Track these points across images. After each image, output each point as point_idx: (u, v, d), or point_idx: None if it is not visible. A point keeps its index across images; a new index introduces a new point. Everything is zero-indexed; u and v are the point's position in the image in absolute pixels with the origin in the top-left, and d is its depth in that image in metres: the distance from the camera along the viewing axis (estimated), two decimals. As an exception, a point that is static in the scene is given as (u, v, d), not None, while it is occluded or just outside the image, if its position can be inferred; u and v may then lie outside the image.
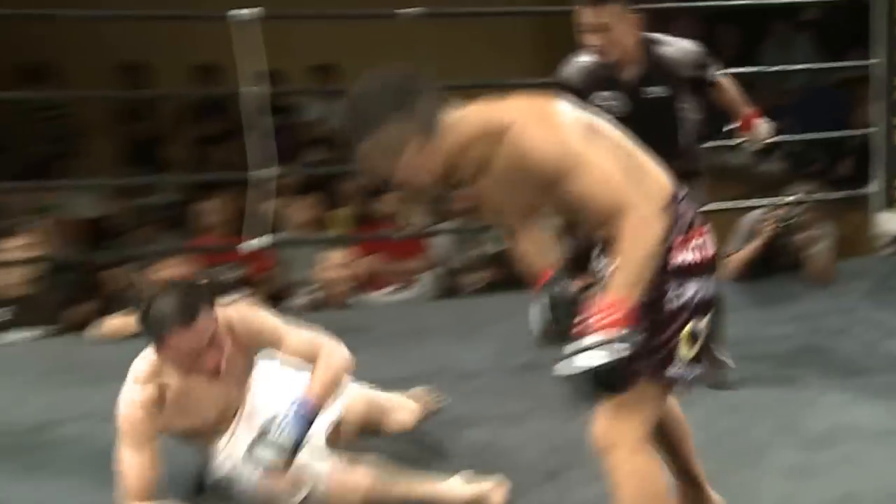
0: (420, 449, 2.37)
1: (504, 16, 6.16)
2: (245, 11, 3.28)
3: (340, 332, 2.19)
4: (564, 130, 1.62)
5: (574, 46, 2.63)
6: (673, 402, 1.86)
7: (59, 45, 5.78)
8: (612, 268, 1.58)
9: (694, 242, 1.67)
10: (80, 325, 3.65)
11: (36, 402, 2.68)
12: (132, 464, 1.97)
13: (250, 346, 2.13)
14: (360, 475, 2.08)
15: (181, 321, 1.93)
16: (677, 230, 1.66)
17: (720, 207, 3.59)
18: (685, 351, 1.64)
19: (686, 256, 1.65)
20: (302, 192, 4.65)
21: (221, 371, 2.03)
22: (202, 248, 4.25)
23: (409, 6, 3.58)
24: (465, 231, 4.33)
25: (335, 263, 3.99)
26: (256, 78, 3.69)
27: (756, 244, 3.69)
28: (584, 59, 2.62)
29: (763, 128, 2.88)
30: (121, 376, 2.05)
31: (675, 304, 1.63)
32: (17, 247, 3.66)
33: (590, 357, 1.50)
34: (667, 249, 1.62)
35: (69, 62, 5.92)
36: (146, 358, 2.07)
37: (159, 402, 2.03)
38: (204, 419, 2.10)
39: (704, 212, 2.37)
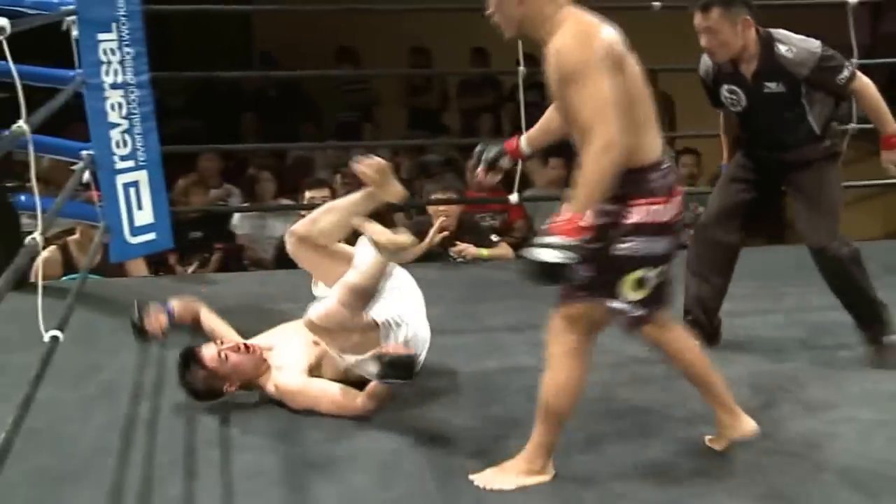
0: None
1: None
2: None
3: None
4: (592, 47, 1.85)
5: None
6: (691, 345, 2.18)
7: (365, 32, 7.05)
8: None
9: (655, 207, 1.94)
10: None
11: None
12: None
13: None
14: None
15: None
16: (647, 192, 1.93)
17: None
18: (629, 292, 1.97)
19: (643, 216, 1.94)
20: (550, 156, 5.38)
21: None
22: (478, 198, 4.93)
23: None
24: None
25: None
26: (518, 61, 4.50)
27: None
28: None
29: None
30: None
31: (622, 252, 1.95)
32: (324, 196, 4.35)
33: (545, 253, 1.81)
34: (628, 206, 1.93)
35: (372, 46, 7.17)
36: None
37: None
38: None
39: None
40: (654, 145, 1.97)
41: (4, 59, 1.93)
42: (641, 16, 3.68)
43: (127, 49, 3.19)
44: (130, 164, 3.25)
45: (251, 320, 3.18)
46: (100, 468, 2.22)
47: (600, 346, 2.16)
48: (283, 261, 4.24)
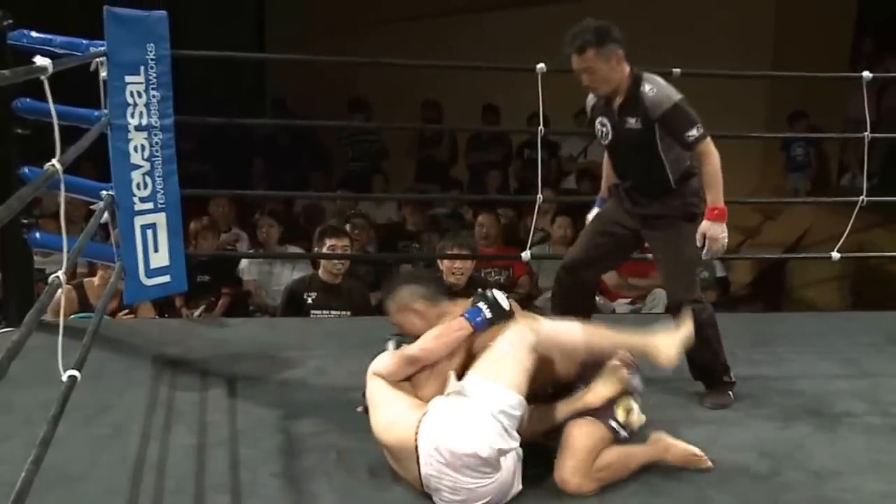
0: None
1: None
2: (542, 65, 3.71)
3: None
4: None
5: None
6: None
7: (377, 84, 7.17)
8: None
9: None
10: (377, 309, 4.57)
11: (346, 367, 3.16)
12: None
13: None
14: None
15: None
16: None
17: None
18: (621, 415, 2.40)
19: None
20: (560, 214, 5.48)
21: None
22: (489, 255, 5.04)
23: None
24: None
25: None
26: (531, 118, 4.58)
27: None
28: None
29: (715, 236, 2.78)
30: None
31: None
32: (344, 245, 4.46)
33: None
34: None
35: (384, 97, 7.28)
36: None
37: None
38: None
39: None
40: None
41: (45, 98, 1.98)
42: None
43: (153, 92, 3.23)
44: (150, 206, 3.27)
45: (261, 366, 3.21)
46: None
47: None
48: (291, 308, 4.37)
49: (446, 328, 2.46)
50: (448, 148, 7.41)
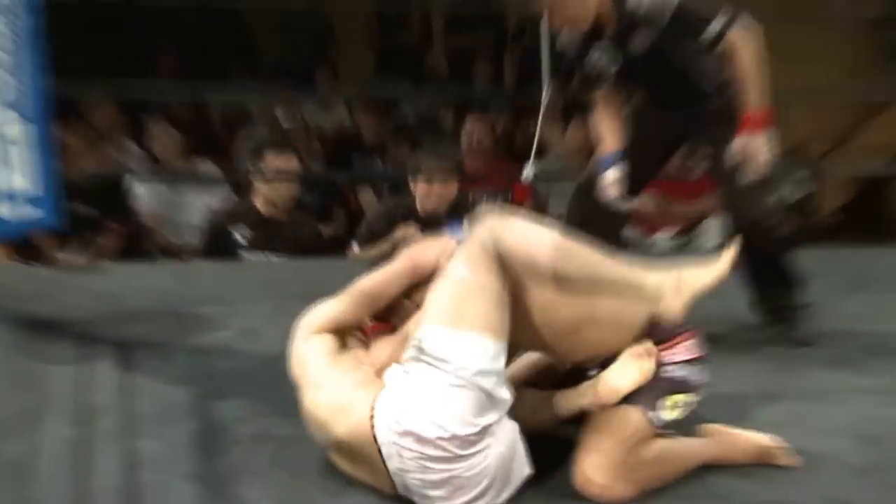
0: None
1: None
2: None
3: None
4: None
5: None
6: None
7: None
8: None
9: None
10: (327, 249, 4.61)
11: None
12: None
13: None
14: None
15: None
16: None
17: None
18: (667, 411, 2.35)
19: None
20: (567, 118, 5.48)
21: None
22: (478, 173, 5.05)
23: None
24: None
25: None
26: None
27: None
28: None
29: (754, 152, 3.08)
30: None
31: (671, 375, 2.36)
32: (291, 165, 4.50)
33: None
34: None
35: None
36: None
37: None
38: None
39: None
40: None
41: None
42: None
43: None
44: (10, 114, 3.23)
45: (167, 328, 3.16)
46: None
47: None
48: (213, 248, 4.37)
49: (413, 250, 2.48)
50: (419, 30, 7.31)
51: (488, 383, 2.18)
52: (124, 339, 3.12)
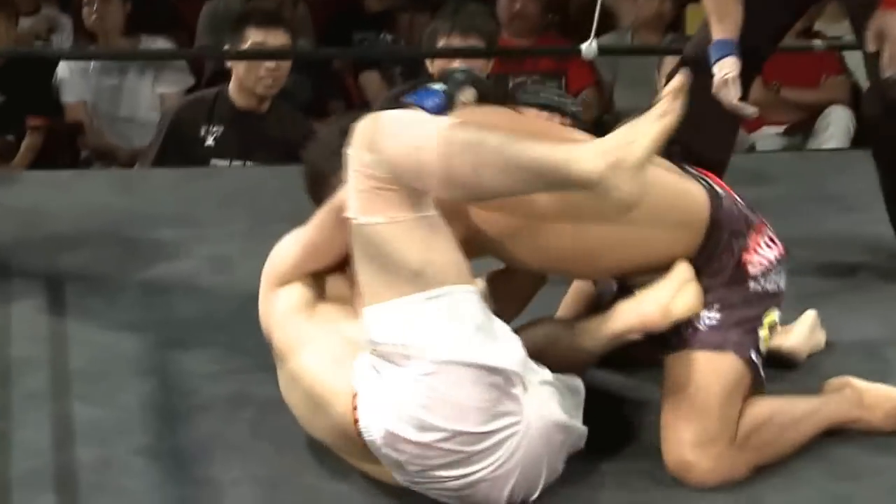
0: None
1: None
2: None
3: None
4: None
5: None
6: None
7: None
8: None
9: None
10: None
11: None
12: None
13: None
14: None
15: None
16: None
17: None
18: (764, 339, 2.39)
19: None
20: None
21: None
22: (522, 49, 5.11)
23: None
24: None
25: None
26: None
27: None
28: None
29: None
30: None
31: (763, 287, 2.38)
32: (281, 42, 4.48)
33: None
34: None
35: None
36: None
37: None
38: None
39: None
40: None
41: None
42: None
43: None
44: None
45: (110, 257, 3.17)
46: None
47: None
48: (172, 152, 4.35)
49: None
50: None
51: (470, 352, 2.13)
52: (52, 273, 3.14)
